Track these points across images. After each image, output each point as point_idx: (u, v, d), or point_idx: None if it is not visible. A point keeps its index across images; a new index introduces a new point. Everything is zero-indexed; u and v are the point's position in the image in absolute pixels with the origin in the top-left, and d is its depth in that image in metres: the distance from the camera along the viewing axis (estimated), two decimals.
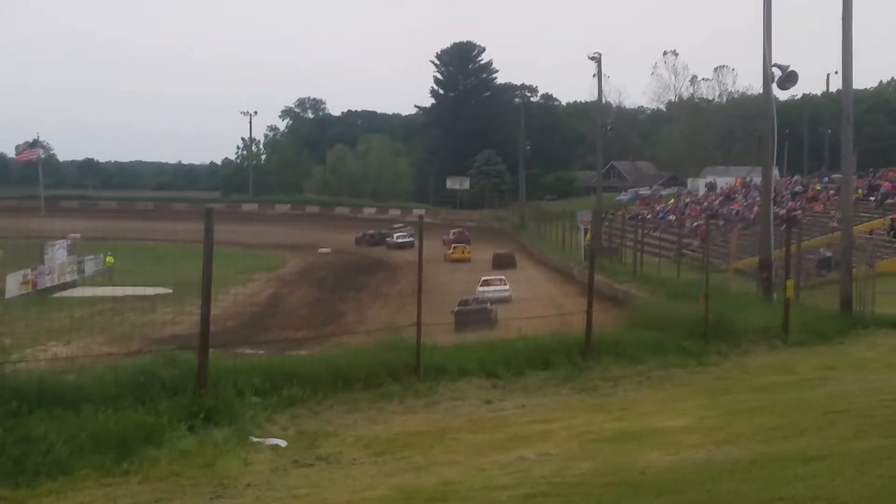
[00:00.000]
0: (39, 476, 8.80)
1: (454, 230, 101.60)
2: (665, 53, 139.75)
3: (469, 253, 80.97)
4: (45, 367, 13.44)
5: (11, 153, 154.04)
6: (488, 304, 42.44)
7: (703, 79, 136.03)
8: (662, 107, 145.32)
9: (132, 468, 9.36)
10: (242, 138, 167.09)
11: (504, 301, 47.82)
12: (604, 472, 9.20)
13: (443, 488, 8.80)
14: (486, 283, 55.41)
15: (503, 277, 58.65)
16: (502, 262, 72.08)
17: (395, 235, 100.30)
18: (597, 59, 68.21)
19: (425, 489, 8.81)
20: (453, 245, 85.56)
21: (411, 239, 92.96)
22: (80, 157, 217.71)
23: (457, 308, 40.56)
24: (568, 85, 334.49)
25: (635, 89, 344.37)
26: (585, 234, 64.09)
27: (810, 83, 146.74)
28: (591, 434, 11.44)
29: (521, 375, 15.10)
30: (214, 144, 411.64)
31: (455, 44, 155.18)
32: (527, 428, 11.96)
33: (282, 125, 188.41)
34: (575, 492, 8.40)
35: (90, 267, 70.26)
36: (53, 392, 10.25)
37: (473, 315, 39.00)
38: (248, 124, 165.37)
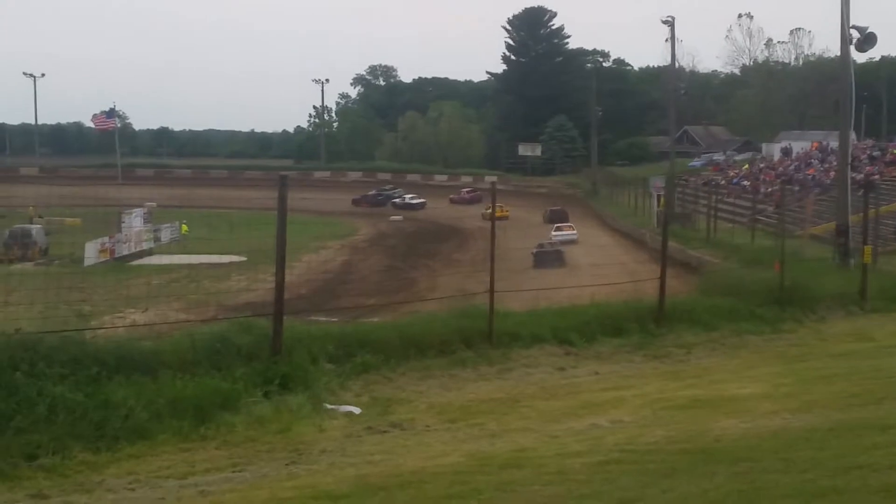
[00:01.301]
0: (119, 440, 8.94)
1: (465, 189, 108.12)
2: (740, 16, 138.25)
3: (507, 211, 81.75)
4: (123, 333, 13.68)
5: (89, 122, 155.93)
6: (560, 247, 55.34)
7: (778, 42, 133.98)
8: (737, 71, 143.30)
9: (209, 433, 9.47)
10: (314, 106, 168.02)
11: (572, 243, 62.45)
12: (678, 439, 9.16)
13: (516, 455, 8.82)
14: (559, 228, 69.65)
15: (571, 224, 72.16)
16: (556, 217, 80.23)
17: (407, 196, 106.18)
18: (670, 23, 67.61)
19: (499, 456, 8.83)
20: (487, 205, 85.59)
21: (423, 200, 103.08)
22: (154, 126, 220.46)
23: (535, 250, 52.89)
24: (640, 49, 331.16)
25: (709, 53, 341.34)
26: (658, 200, 63.53)
27: (889, 45, 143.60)
28: (664, 401, 11.39)
29: (594, 342, 15.06)
30: (287, 113, 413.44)
31: (526, 9, 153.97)
32: (600, 395, 11.94)
33: (353, 93, 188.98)
34: (648, 459, 8.38)
35: (166, 235, 71.20)
36: (132, 358, 10.40)
37: (548, 255, 52.13)
38: (321, 92, 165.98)
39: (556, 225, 72.18)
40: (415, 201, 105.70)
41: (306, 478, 8.39)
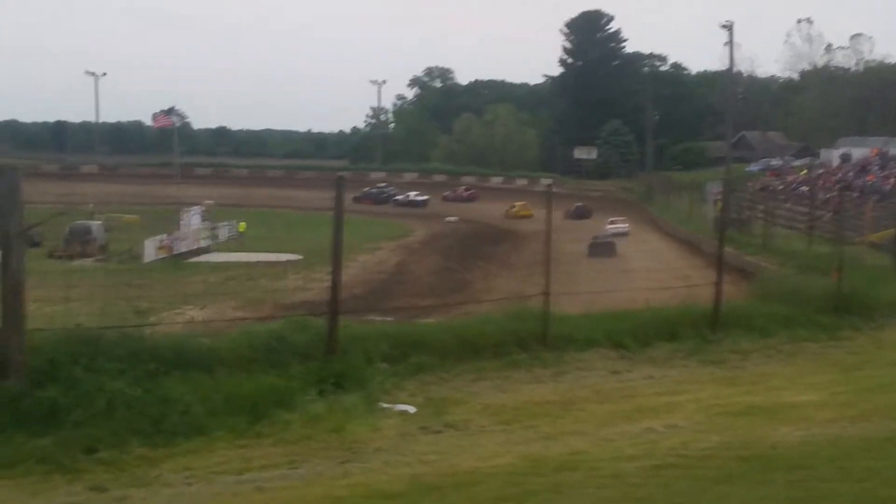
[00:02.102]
0: (177, 436, 9.01)
1: (462, 188, 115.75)
2: (799, 21, 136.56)
3: (530, 211, 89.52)
4: (180, 330, 13.82)
5: (149, 121, 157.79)
6: (612, 239, 63.74)
7: (838, 47, 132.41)
8: (796, 76, 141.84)
9: (265, 430, 9.52)
10: (371, 107, 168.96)
11: (625, 235, 70.14)
12: (733, 445, 9.10)
13: (570, 458, 8.82)
14: (612, 222, 77.56)
15: (625, 217, 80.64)
16: (578, 214, 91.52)
17: (411, 194, 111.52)
18: (729, 28, 67.10)
19: (553, 458, 8.82)
20: (513, 203, 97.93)
21: (426, 198, 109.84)
22: (213, 126, 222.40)
23: (591, 241, 61.28)
24: (698, 54, 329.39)
25: (768, 58, 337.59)
26: (714, 205, 63.15)
27: None
28: (719, 407, 11.32)
29: (649, 346, 14.96)
30: (343, 113, 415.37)
31: (583, 13, 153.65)
32: (654, 399, 11.88)
33: (410, 94, 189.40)
34: (704, 465, 8.34)
35: (223, 233, 71.78)
36: (189, 355, 10.49)
37: (602, 247, 59.48)
38: (377, 93, 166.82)
39: (609, 219, 79.84)
40: (419, 198, 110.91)
41: (360, 476, 8.43)
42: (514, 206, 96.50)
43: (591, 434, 9.93)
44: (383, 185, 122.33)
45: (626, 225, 75.71)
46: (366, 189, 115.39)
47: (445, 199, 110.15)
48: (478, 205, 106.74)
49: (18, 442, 8.40)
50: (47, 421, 8.75)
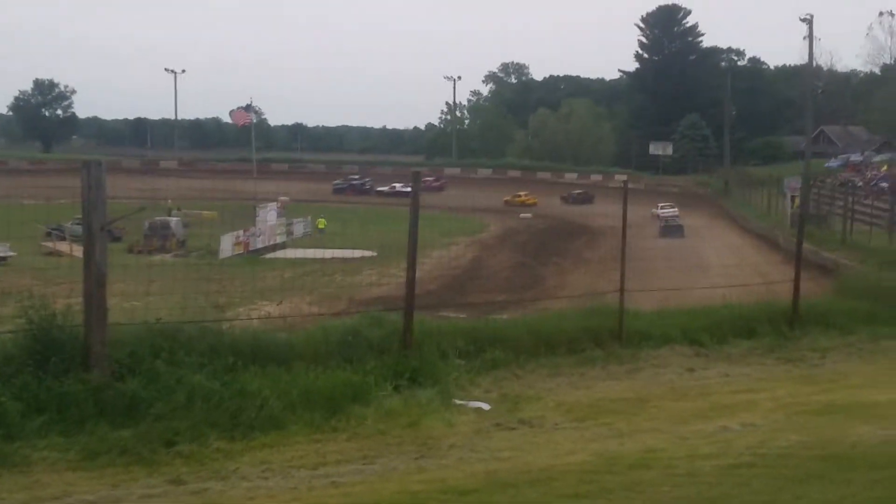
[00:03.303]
0: (254, 430, 9.10)
1: (429, 178, 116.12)
2: (881, 14, 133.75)
3: (534, 199, 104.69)
4: (258, 325, 13.95)
5: (226, 118, 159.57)
6: (681, 223, 74.42)
7: None
8: (877, 70, 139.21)
9: (340, 425, 9.58)
10: (447, 103, 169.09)
11: (675, 219, 79.04)
12: (812, 444, 9.00)
13: (645, 456, 8.77)
14: (662, 207, 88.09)
15: (672, 203, 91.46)
16: (578, 200, 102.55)
17: (397, 185, 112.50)
18: (808, 21, 66.16)
19: (628, 456, 8.79)
20: (518, 193, 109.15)
21: (409, 189, 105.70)
22: (289, 122, 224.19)
23: (662, 224, 73.25)
24: (777, 48, 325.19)
25: (848, 52, 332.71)
26: (792, 200, 62.31)
27: None
28: (797, 406, 11.18)
29: (725, 344, 14.82)
30: (418, 110, 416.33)
31: (660, 7, 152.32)
32: (730, 397, 11.77)
33: (485, 90, 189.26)
34: (781, 464, 8.25)
35: (299, 229, 72.23)
36: (267, 349, 10.59)
37: (672, 229, 71.05)
38: (453, 89, 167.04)
39: (659, 204, 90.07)
40: (405, 189, 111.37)
41: (435, 472, 8.46)
42: (518, 196, 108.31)
43: (667, 432, 9.87)
44: (356, 176, 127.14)
45: (675, 210, 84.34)
46: (337, 182, 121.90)
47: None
48: (556, 202, 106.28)
49: (100, 434, 8.54)
50: (128, 413, 8.89)
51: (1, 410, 8.42)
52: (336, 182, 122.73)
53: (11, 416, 8.43)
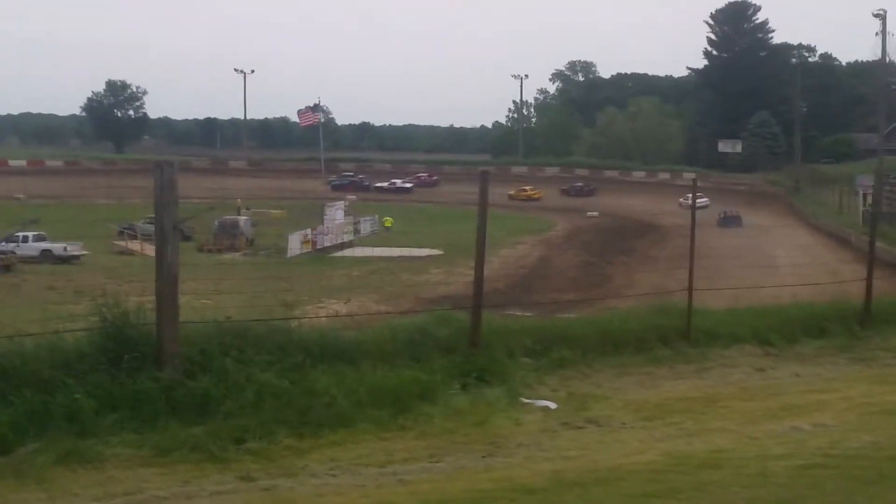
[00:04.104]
0: (322, 427, 9.14)
1: (421, 174, 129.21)
2: None
3: (539, 193, 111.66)
4: (326, 323, 14.04)
5: (294, 117, 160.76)
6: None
7: None
8: None
9: (408, 423, 9.60)
10: (514, 101, 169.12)
11: (705, 207, 75.07)
12: (886, 445, 8.87)
13: (715, 456, 8.71)
14: (688, 197, 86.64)
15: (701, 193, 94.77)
16: (574, 192, 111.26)
17: (398, 182, 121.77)
18: (881, 17, 65.19)
19: (696, 456, 8.73)
20: (523, 187, 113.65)
21: (411, 185, 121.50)
22: (356, 122, 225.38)
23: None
24: (849, 43, 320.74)
25: None
26: (865, 198, 61.52)
27: None
28: (870, 406, 11.03)
29: (795, 343, 14.65)
30: (485, 108, 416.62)
31: (730, 3, 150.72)
32: (801, 397, 11.64)
33: (552, 88, 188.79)
34: (854, 465, 8.15)
35: (365, 227, 72.63)
36: (335, 347, 10.64)
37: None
38: (519, 88, 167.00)
39: (687, 194, 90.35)
40: (406, 185, 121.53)
41: (503, 471, 8.46)
42: (524, 190, 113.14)
43: (736, 432, 9.78)
44: (350, 173, 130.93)
45: (706, 199, 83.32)
46: (332, 178, 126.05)
47: (417, 182, 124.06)
48: (623, 200, 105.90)
49: (172, 430, 8.65)
50: (199, 411, 9.00)
51: (75, 407, 8.55)
52: (332, 179, 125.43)
53: (86, 412, 8.56)
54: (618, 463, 8.56)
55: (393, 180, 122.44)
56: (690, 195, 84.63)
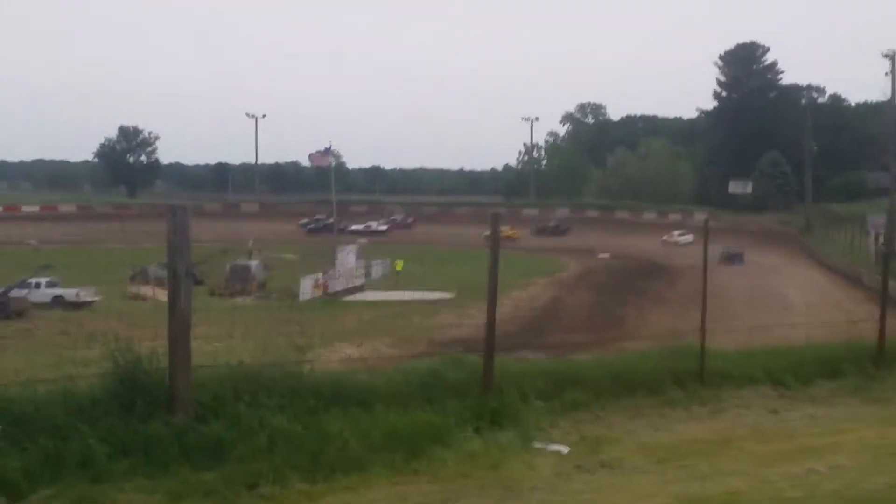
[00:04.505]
0: (335, 472, 9.10)
1: (396, 217, 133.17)
2: None
3: (517, 232, 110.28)
4: (338, 367, 14.02)
5: (305, 161, 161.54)
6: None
7: None
8: None
9: (421, 467, 9.56)
10: (524, 144, 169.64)
11: (689, 244, 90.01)
12: None
13: (729, 499, 8.66)
14: (681, 234, 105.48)
15: (684, 230, 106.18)
16: (544, 232, 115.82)
17: (373, 224, 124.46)
18: (891, 57, 65.39)
19: (710, 499, 8.68)
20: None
21: (386, 227, 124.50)
22: (367, 165, 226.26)
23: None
24: (858, 84, 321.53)
25: None
26: (877, 238, 61.49)
27: None
28: (885, 447, 10.96)
29: (809, 384, 14.56)
30: (495, 152, 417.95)
31: (738, 45, 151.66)
32: (816, 439, 11.57)
33: (562, 131, 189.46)
34: None
35: (377, 270, 72.72)
36: (347, 391, 10.61)
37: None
38: (530, 130, 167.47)
39: (674, 231, 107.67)
40: (381, 227, 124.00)
41: None
42: (502, 230, 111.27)
43: (750, 474, 9.73)
44: (321, 216, 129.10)
45: (690, 236, 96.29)
46: (304, 221, 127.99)
47: (390, 227, 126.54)
48: (635, 240, 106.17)
49: (184, 476, 8.62)
50: (212, 455, 8.97)
51: (89, 453, 8.54)
52: (305, 223, 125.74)
53: (98, 458, 8.55)
54: None
55: (369, 223, 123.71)
56: (675, 232, 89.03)
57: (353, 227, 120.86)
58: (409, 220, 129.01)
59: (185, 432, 9.06)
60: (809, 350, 15.74)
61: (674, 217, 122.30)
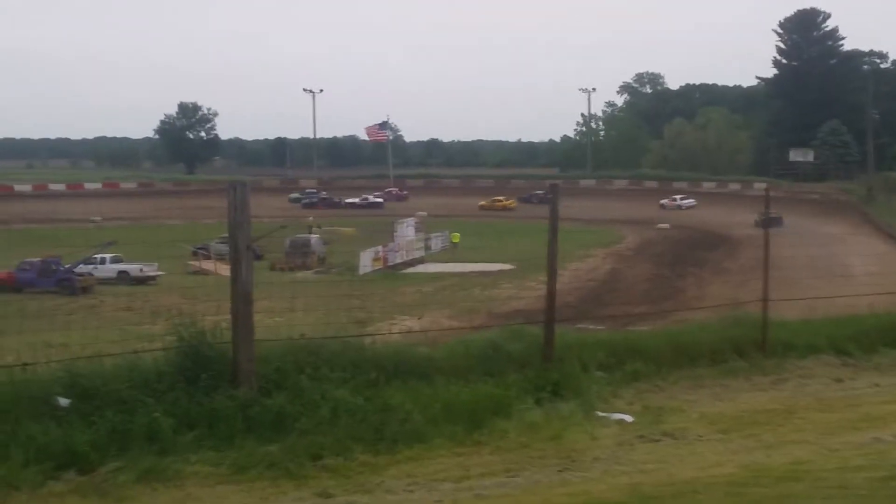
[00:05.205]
0: (397, 443, 9.17)
1: (392, 189, 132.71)
2: None
3: (511, 202, 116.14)
4: (398, 339, 14.08)
5: (363, 135, 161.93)
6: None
7: None
8: None
9: (483, 439, 9.59)
10: (582, 114, 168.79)
11: (692, 206, 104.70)
12: None
13: (794, 468, 8.60)
14: (682, 197, 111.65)
15: (686, 194, 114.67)
16: (541, 199, 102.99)
17: (370, 197, 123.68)
18: None
19: (775, 468, 8.63)
20: (498, 198, 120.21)
21: (381, 200, 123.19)
22: (424, 138, 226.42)
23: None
24: None
25: None
26: None
27: None
28: None
29: (873, 353, 14.39)
30: (553, 122, 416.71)
31: (799, 11, 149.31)
32: (881, 408, 11.44)
33: (620, 101, 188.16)
34: None
35: (436, 243, 72.73)
36: (408, 364, 10.66)
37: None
38: (587, 101, 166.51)
39: (672, 196, 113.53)
40: (377, 199, 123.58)
41: (579, 485, 8.42)
42: (499, 200, 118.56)
43: (815, 443, 9.65)
44: (313, 190, 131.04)
45: (692, 200, 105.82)
46: (295, 195, 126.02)
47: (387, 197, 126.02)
48: (694, 212, 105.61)
49: (249, 448, 8.72)
50: (275, 428, 9.06)
51: (155, 426, 8.67)
52: (296, 196, 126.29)
53: (164, 431, 8.67)
54: (695, 476, 8.49)
55: (365, 196, 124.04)
56: (675, 196, 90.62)
57: (349, 200, 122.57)
58: (404, 192, 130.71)
59: (249, 405, 9.16)
60: (873, 319, 15.54)
61: (733, 187, 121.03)
